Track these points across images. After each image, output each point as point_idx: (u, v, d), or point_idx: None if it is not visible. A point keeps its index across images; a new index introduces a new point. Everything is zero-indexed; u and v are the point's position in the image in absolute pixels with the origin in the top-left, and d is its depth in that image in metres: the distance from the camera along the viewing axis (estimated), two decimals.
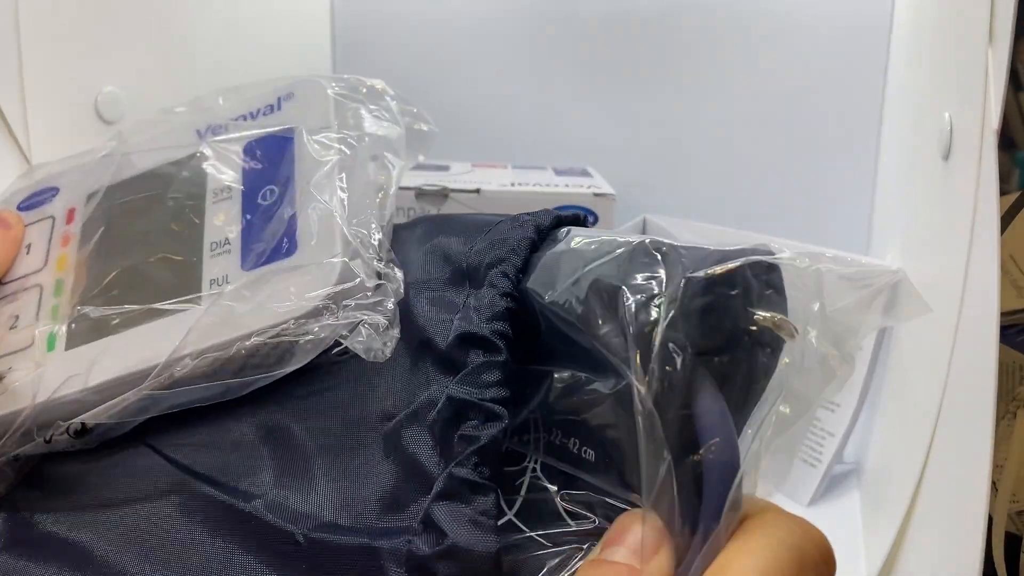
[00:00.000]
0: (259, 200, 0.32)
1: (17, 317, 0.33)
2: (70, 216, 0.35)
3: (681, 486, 0.21)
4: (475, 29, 0.64)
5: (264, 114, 0.35)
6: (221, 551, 0.26)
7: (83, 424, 0.29)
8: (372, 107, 0.34)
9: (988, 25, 0.33)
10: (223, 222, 0.32)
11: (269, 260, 0.30)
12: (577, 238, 0.27)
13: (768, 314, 0.22)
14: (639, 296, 0.23)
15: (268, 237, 0.31)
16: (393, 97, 0.35)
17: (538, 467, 0.27)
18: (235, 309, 0.29)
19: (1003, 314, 0.41)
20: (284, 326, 0.28)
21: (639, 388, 0.22)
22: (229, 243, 0.32)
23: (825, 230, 0.60)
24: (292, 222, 0.31)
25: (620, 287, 0.23)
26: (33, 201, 0.36)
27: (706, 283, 0.22)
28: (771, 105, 0.63)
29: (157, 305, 0.30)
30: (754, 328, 0.23)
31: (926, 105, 0.44)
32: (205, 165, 0.34)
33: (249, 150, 0.34)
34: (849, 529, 0.46)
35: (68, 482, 0.29)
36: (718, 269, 0.23)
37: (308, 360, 0.28)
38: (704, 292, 0.22)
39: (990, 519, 0.46)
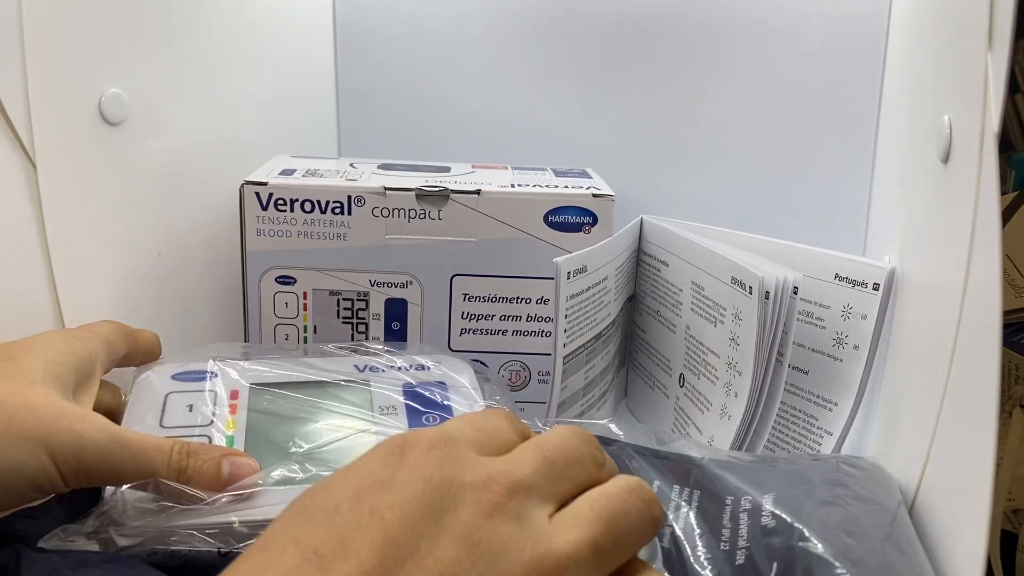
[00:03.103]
0: (423, 420, 0.41)
1: None
2: (234, 394, 0.42)
3: None
4: (475, 30, 0.64)
5: (416, 369, 0.46)
6: None
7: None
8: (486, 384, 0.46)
9: (988, 27, 0.33)
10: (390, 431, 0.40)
11: None
12: None
13: None
14: None
15: None
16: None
17: None
18: None
19: None
20: None
21: None
22: None
23: (822, 231, 0.60)
24: None
25: None
26: (191, 375, 0.43)
27: None
28: (769, 107, 0.63)
29: None
30: None
31: (924, 108, 0.45)
32: (369, 388, 0.43)
33: (408, 387, 0.44)
34: None
35: None
36: None
37: None
38: None
39: None
